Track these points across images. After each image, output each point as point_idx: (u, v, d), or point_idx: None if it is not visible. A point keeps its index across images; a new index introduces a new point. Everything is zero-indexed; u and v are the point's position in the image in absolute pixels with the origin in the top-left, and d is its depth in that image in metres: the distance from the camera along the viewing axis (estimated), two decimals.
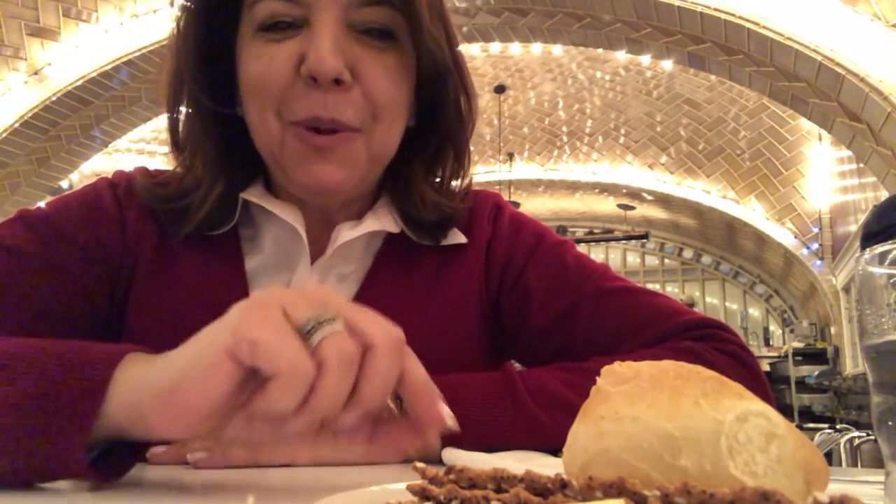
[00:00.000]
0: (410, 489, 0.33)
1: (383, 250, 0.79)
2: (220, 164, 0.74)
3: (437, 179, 0.81)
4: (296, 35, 0.66)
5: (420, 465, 0.36)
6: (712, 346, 0.71)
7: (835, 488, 0.45)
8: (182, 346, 0.43)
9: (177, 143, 0.76)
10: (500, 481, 0.30)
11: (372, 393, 0.41)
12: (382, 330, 0.43)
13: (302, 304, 0.42)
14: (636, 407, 0.29)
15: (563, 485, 0.28)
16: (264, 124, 0.68)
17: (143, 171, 0.80)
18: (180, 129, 0.75)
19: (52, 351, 0.45)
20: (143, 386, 0.42)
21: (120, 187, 0.78)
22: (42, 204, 0.74)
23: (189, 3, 0.70)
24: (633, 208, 10.08)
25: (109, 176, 0.80)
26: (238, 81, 0.70)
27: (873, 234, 1.67)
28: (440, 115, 0.76)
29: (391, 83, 0.68)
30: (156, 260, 0.75)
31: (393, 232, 0.78)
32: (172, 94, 0.73)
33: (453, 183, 0.84)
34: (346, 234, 0.74)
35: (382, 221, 0.77)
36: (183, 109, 0.75)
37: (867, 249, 0.38)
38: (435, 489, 0.32)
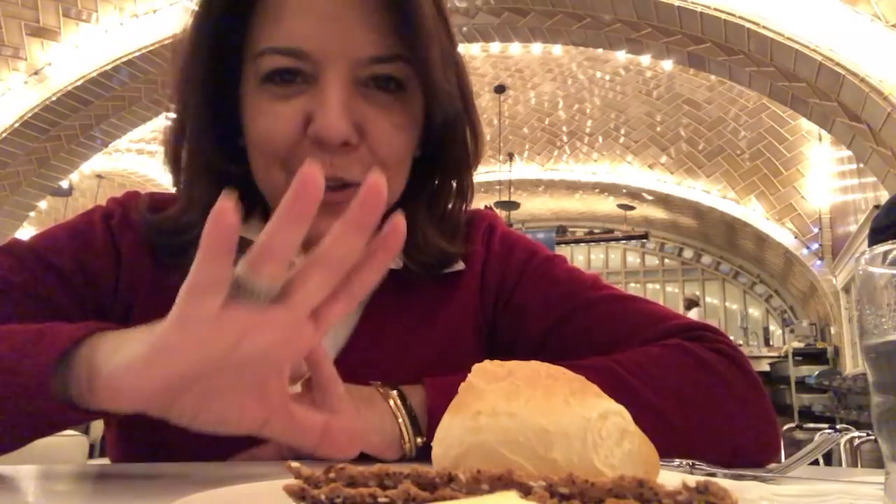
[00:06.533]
0: (287, 490, 0.31)
1: (382, 284, 0.77)
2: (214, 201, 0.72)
3: (441, 214, 0.79)
4: (303, 91, 0.64)
5: (294, 464, 0.33)
6: (702, 345, 0.71)
7: (835, 488, 0.45)
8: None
9: (177, 176, 0.74)
10: (384, 478, 0.30)
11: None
12: None
13: None
14: (513, 403, 0.31)
15: (449, 479, 0.28)
16: (269, 177, 0.67)
17: (147, 202, 0.76)
18: (182, 165, 0.73)
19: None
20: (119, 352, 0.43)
21: (114, 217, 0.76)
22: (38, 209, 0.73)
23: (196, 54, 0.68)
24: (633, 208, 10.09)
25: (104, 204, 0.78)
26: (243, 128, 0.69)
27: (882, 227, 1.65)
28: (446, 154, 0.75)
29: (398, 139, 0.67)
30: (153, 289, 0.73)
31: (394, 268, 0.76)
32: (174, 134, 0.72)
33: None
34: None
35: None
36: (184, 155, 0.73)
37: (867, 249, 0.38)
38: (313, 490, 0.30)
